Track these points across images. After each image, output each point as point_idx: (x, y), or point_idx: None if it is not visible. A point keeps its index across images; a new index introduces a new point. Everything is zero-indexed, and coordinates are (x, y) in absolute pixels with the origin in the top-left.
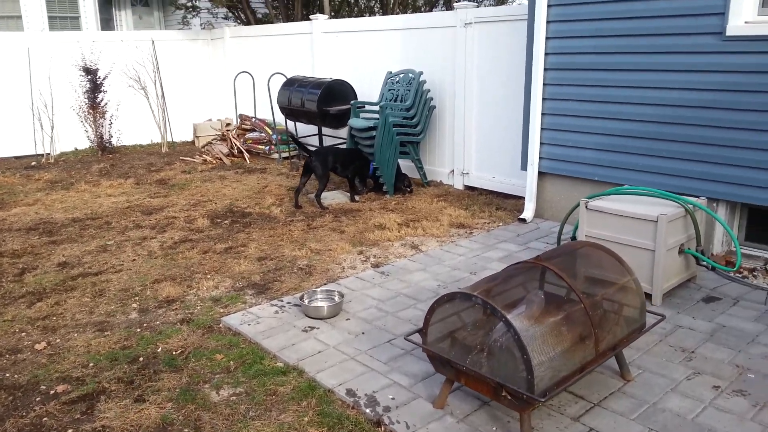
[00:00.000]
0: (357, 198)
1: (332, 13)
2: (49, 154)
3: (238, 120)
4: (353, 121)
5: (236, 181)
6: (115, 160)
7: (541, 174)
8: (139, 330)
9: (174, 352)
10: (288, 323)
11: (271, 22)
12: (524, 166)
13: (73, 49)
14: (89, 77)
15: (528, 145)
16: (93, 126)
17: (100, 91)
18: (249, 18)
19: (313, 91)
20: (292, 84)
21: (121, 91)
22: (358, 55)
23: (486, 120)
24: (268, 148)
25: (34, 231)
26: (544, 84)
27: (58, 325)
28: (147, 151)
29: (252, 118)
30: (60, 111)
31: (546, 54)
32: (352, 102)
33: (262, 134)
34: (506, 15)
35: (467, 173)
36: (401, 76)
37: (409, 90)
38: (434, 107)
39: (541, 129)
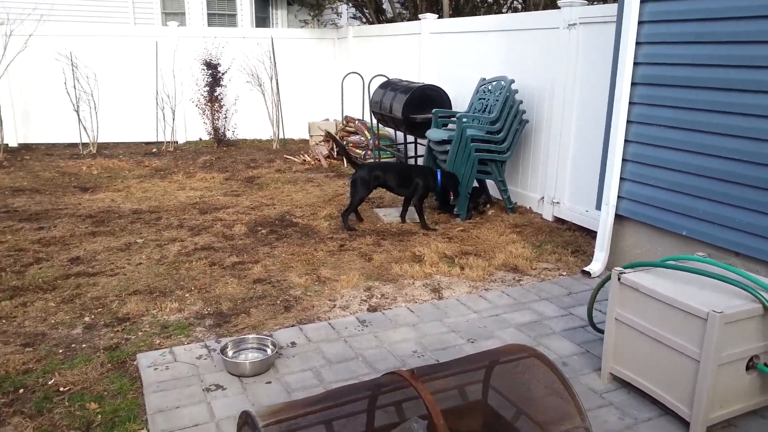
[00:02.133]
0: (406, 220)
1: (451, 12)
2: (168, 142)
3: (344, 121)
4: (431, 132)
5: (318, 186)
6: (224, 153)
7: (619, 218)
8: (60, 351)
9: (60, 389)
10: (197, 375)
11: (395, 21)
12: (599, 205)
13: (197, 44)
14: (210, 71)
15: (605, 179)
16: (210, 118)
17: (219, 85)
18: (373, 17)
19: (401, 95)
20: (386, 87)
21: (240, 86)
22: (458, 58)
23: (585, 142)
24: (364, 153)
25: (89, 219)
26: (630, 103)
27: None
28: (259, 146)
29: (356, 120)
30: (181, 103)
31: (635, 64)
32: (433, 111)
33: (362, 138)
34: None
35: (558, 203)
36: (493, 84)
37: (498, 100)
38: (526, 121)
39: (623, 160)
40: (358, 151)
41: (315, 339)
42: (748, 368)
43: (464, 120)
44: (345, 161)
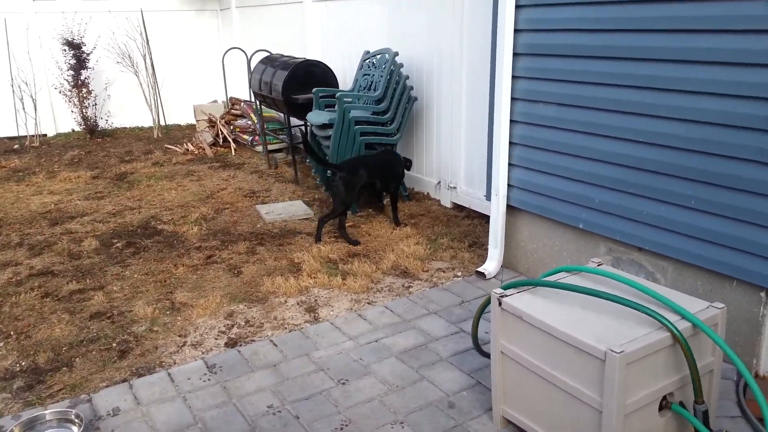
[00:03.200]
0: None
1: None
2: (33, 136)
3: (228, 103)
4: (312, 115)
5: (197, 180)
6: (97, 146)
7: (511, 209)
8: None
9: None
10: None
11: None
12: (489, 195)
13: (55, 21)
14: (73, 52)
15: (493, 166)
16: (79, 107)
17: (85, 68)
18: None
19: (281, 73)
20: (266, 63)
21: (110, 67)
22: (344, 29)
23: (476, 119)
24: (251, 138)
25: None
26: (514, 77)
27: None
28: (139, 135)
29: (242, 101)
30: (44, 90)
31: (516, 31)
32: (314, 90)
33: (249, 122)
34: None
35: (454, 188)
36: (377, 57)
37: (382, 76)
38: (415, 99)
39: (511, 143)
40: (245, 136)
41: (146, 400)
42: (660, 408)
43: (346, 100)
44: (232, 149)
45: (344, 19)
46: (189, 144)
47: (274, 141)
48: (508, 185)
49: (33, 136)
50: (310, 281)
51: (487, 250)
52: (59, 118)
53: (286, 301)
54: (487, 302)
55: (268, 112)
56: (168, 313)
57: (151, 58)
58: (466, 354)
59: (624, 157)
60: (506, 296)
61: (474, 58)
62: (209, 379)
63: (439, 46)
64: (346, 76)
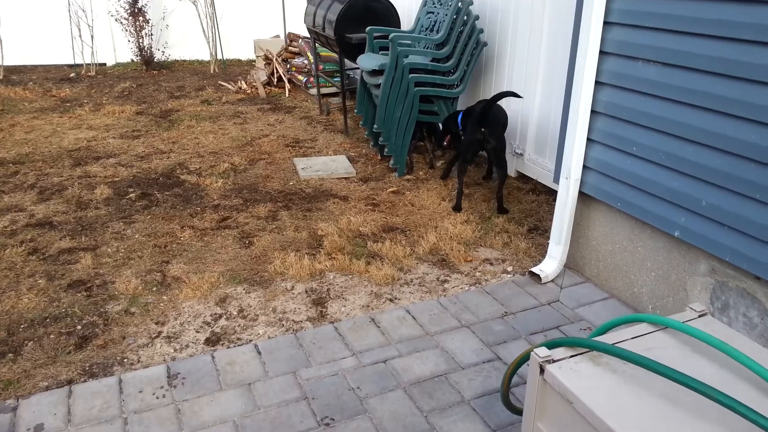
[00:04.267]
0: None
1: None
2: (90, 65)
3: (287, 39)
4: (362, 58)
5: (241, 123)
6: (151, 79)
7: (585, 198)
8: None
9: None
10: None
11: None
12: (557, 177)
13: None
14: None
15: (566, 140)
16: (135, 36)
17: None
18: None
19: (336, 6)
20: None
21: None
22: None
23: (556, 75)
24: (306, 79)
25: None
26: (606, 22)
27: None
28: (195, 69)
29: (300, 38)
30: (100, 16)
31: None
32: (368, 29)
33: (306, 61)
34: None
35: (521, 154)
36: None
37: (447, 14)
38: (484, 44)
39: (593, 112)
40: (300, 77)
41: (79, 417)
42: None
43: (402, 42)
44: (286, 89)
45: None
46: (243, 82)
47: (329, 84)
48: (584, 167)
49: (89, 65)
50: (327, 263)
51: (549, 239)
52: (119, 48)
53: (293, 287)
54: (520, 362)
55: (327, 52)
56: (154, 289)
57: None
58: (495, 397)
59: (755, 148)
60: (552, 362)
61: (557, 5)
62: (164, 396)
63: None
64: (412, 16)
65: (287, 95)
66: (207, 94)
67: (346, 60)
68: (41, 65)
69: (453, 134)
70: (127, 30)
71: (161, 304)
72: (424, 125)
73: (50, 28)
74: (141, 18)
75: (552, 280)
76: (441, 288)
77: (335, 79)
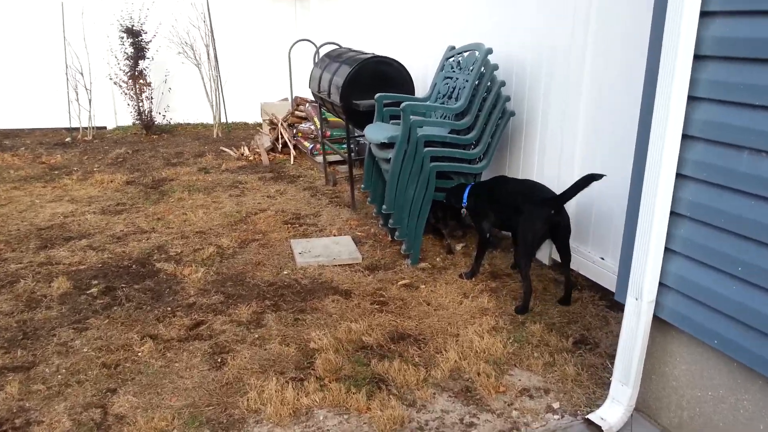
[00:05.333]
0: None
1: None
2: (86, 129)
3: (293, 104)
4: (370, 129)
5: (238, 194)
6: (150, 144)
7: (660, 323)
8: None
9: None
10: None
11: None
12: (621, 294)
13: (113, 5)
14: (131, 40)
15: (635, 249)
16: (136, 99)
17: (144, 58)
18: None
19: (342, 71)
20: (329, 59)
21: (171, 58)
22: (430, 19)
23: (599, 148)
24: (312, 146)
25: None
26: (690, 97)
27: None
28: (197, 133)
29: (308, 102)
30: (99, 80)
31: (704, 14)
32: (377, 96)
33: (312, 126)
34: None
35: None
36: (465, 55)
37: (468, 80)
38: (512, 114)
39: (674, 215)
40: (305, 143)
41: None
42: None
43: (415, 111)
44: (291, 156)
45: (429, 5)
46: (246, 148)
47: (342, 149)
48: (660, 284)
49: (86, 128)
50: (318, 396)
51: (603, 357)
52: (119, 111)
53: None
54: None
55: (335, 117)
56: None
57: (214, 49)
58: None
59: None
60: None
61: (605, 58)
62: None
63: (553, 44)
64: (427, 81)
65: (292, 162)
66: (206, 161)
67: (354, 128)
68: (39, 129)
69: (454, 211)
70: (126, 94)
71: None
72: (440, 204)
73: (47, 91)
74: (141, 81)
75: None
76: None
77: (343, 147)
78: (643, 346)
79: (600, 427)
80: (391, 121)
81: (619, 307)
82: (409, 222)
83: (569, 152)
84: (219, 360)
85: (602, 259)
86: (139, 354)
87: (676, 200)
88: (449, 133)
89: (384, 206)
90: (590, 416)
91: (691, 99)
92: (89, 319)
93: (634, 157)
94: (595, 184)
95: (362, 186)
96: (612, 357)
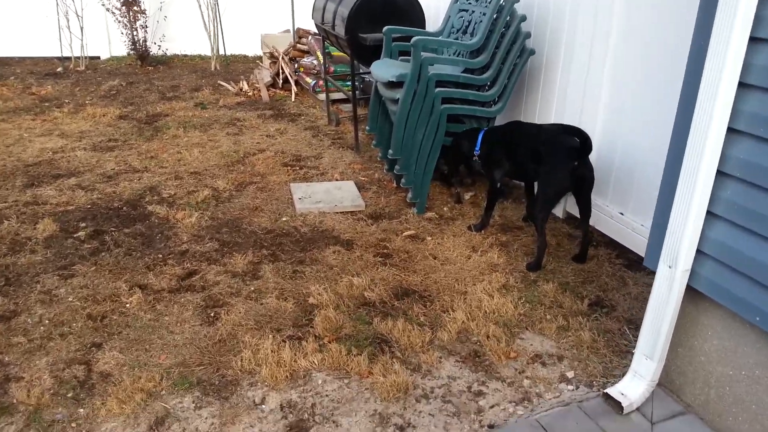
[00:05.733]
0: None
1: None
2: (78, 58)
3: (295, 36)
4: (377, 66)
5: (236, 133)
6: (144, 76)
7: (694, 294)
8: None
9: None
10: None
11: None
12: (652, 260)
13: None
14: None
15: (672, 212)
16: (129, 28)
17: None
18: None
19: (348, 1)
20: None
21: None
22: None
23: (626, 93)
24: (314, 83)
25: None
26: (753, 38)
27: None
28: (195, 65)
29: (311, 34)
30: (91, 5)
31: None
32: (385, 29)
33: (315, 61)
34: None
35: None
36: None
37: (485, 14)
38: (531, 52)
39: (720, 174)
40: (308, 79)
41: None
42: None
43: (427, 47)
44: (292, 92)
45: None
46: (245, 82)
47: (342, 86)
48: (697, 251)
49: (78, 58)
50: (316, 358)
51: (621, 325)
52: (114, 40)
53: (263, 400)
54: None
55: (338, 51)
56: (69, 395)
57: None
58: None
59: None
60: None
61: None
62: None
63: None
64: (440, 14)
65: (293, 99)
66: (203, 95)
67: (359, 64)
68: (29, 57)
69: (464, 158)
70: (120, 21)
71: (72, 426)
72: (450, 150)
73: (38, 17)
74: (135, 8)
75: (637, 409)
76: (474, 407)
77: (347, 84)
78: (673, 318)
79: (620, 403)
80: (400, 58)
81: (637, 267)
82: (417, 169)
83: (593, 99)
84: (212, 314)
85: (621, 214)
86: (127, 305)
87: (725, 158)
88: (463, 72)
89: (390, 151)
90: (609, 390)
91: (754, 40)
92: (75, 265)
93: (678, 107)
94: (621, 132)
95: (367, 128)
96: (630, 322)
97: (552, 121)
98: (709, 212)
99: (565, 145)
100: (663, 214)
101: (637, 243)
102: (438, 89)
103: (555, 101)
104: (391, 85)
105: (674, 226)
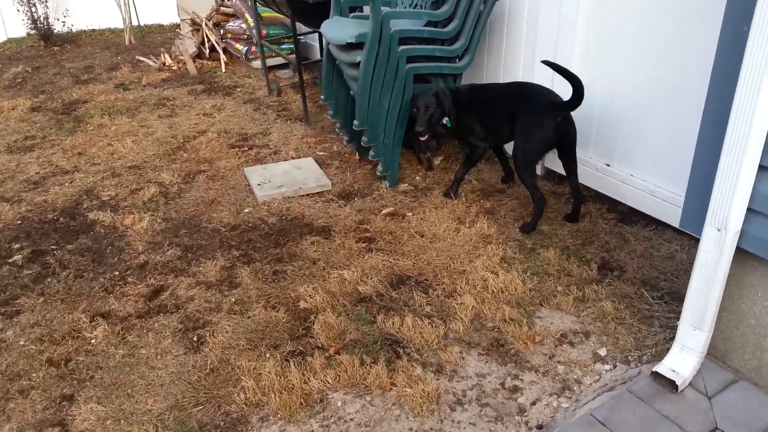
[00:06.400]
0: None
1: None
2: None
3: None
4: (329, 27)
5: (169, 114)
6: (49, 59)
7: (739, 253)
8: None
9: None
10: None
11: None
12: (690, 222)
13: None
14: None
15: (720, 169)
16: (27, 4)
17: None
18: None
19: None
20: None
21: None
22: None
23: (605, 38)
24: (246, 49)
25: None
26: None
27: None
28: (106, 41)
29: None
30: None
31: None
32: None
33: (244, 25)
34: None
35: None
36: None
37: None
38: None
39: None
40: (237, 46)
41: None
42: None
43: (384, 1)
44: (222, 62)
45: None
46: (167, 55)
47: (277, 54)
48: (748, 209)
49: None
50: (328, 375)
51: (636, 288)
52: (9, 20)
53: None
54: None
55: (269, 12)
56: None
57: None
58: None
59: None
60: None
61: None
62: None
63: None
64: None
65: (224, 70)
66: (122, 74)
67: (299, 23)
68: None
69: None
70: None
71: None
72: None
73: None
74: None
75: (689, 384)
76: (514, 406)
77: (283, 47)
78: (722, 284)
79: (673, 381)
80: (351, 15)
81: (631, 221)
82: (386, 138)
83: (567, 45)
84: (195, 339)
85: (608, 165)
86: (92, 341)
87: None
88: (426, 26)
89: (355, 122)
90: (658, 369)
91: None
92: (19, 298)
93: (715, 62)
94: (602, 81)
95: (322, 97)
96: (645, 283)
97: (520, 78)
98: (762, 166)
99: (543, 100)
100: (702, 172)
101: (628, 194)
102: (402, 47)
103: (522, 51)
104: (350, 47)
105: (722, 188)
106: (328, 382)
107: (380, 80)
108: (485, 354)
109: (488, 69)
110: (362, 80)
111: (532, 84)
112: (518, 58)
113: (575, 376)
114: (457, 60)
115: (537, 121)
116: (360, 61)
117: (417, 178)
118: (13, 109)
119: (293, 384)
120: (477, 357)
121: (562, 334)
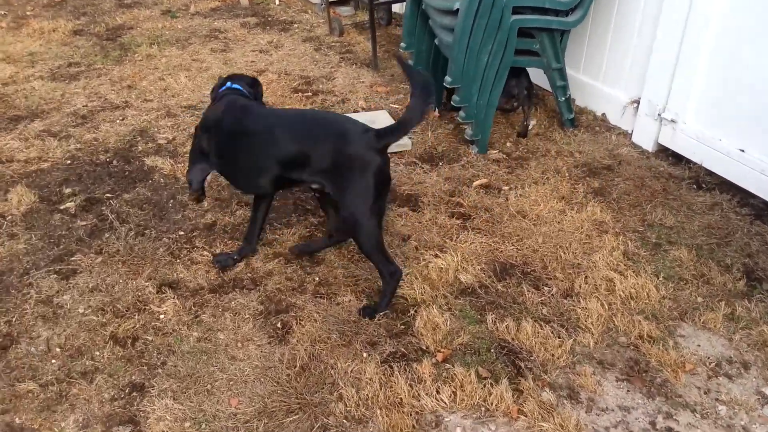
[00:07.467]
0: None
1: None
2: None
3: None
4: None
5: (222, 48)
6: None
7: None
8: None
9: None
10: None
11: None
12: None
13: None
14: None
15: None
16: None
17: None
18: None
19: None
20: None
21: None
22: None
23: None
24: None
25: None
26: None
27: None
28: None
29: None
30: None
31: None
32: None
33: None
34: None
35: (673, 121)
36: None
37: None
38: None
39: None
40: None
41: None
42: None
43: None
44: None
45: None
46: None
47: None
48: None
49: None
50: (443, 392)
51: None
52: None
53: None
54: None
55: None
56: None
57: None
58: None
59: None
60: None
61: None
62: None
63: None
64: None
65: (277, 2)
66: (169, 0)
67: None
68: None
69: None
70: None
71: None
72: (517, 72)
73: None
74: None
75: None
76: None
77: None
78: None
79: None
80: None
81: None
82: (480, 98)
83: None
84: (279, 325)
85: (742, 151)
86: (161, 317)
87: None
88: None
89: (447, 78)
90: None
91: None
92: (74, 254)
93: None
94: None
95: (402, 45)
96: None
97: (633, 34)
98: None
99: None
100: None
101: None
102: None
103: (638, 7)
104: (447, 12)
105: None
106: (443, 401)
107: (480, 32)
108: (625, 380)
109: (598, 21)
110: (460, 30)
111: None
112: (635, 10)
113: (742, 422)
114: (568, 14)
115: None
116: (458, 8)
117: (508, 144)
118: (53, 30)
119: (401, 398)
120: (615, 383)
121: (709, 359)
